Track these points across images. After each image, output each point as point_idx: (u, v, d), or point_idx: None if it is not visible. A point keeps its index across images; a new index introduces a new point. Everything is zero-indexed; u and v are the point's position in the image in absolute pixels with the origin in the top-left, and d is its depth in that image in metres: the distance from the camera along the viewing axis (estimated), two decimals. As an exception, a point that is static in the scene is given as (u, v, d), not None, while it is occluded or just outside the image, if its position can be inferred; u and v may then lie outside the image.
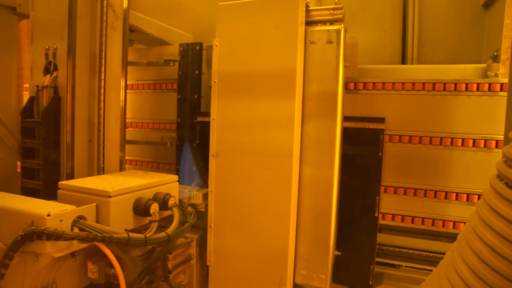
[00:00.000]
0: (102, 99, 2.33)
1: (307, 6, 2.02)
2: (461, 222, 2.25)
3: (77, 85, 2.29)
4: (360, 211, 2.25)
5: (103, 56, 2.33)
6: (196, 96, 2.68)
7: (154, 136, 3.02)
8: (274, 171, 2.03)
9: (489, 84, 2.15)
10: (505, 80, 2.11)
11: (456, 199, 2.25)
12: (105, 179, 2.04)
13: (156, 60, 2.83)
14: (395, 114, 2.34)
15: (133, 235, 1.66)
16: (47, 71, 2.39)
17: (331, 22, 2.02)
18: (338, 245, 2.09)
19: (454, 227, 2.26)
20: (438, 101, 2.26)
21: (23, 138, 2.36)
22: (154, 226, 1.81)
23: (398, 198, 2.36)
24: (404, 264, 2.43)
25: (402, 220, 2.36)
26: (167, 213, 2.00)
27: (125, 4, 2.33)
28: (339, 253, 2.10)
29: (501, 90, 2.13)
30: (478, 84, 2.17)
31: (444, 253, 2.33)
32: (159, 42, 2.94)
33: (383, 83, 2.35)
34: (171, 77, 2.93)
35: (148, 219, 1.90)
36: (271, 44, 2.02)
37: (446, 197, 2.26)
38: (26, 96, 2.73)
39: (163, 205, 1.95)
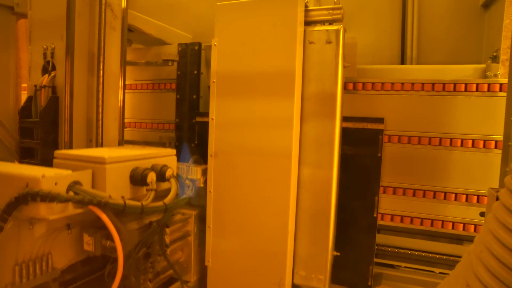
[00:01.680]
0: (100, 98, 2.33)
1: (306, 6, 2.01)
2: (460, 223, 2.24)
3: (75, 85, 2.28)
4: (359, 211, 2.25)
5: (102, 55, 2.33)
6: (194, 96, 2.67)
7: (153, 136, 3.02)
8: (273, 171, 2.02)
9: (489, 85, 2.15)
10: (505, 81, 2.10)
11: (455, 199, 2.24)
12: (102, 150, 2.04)
13: (155, 60, 2.82)
14: (394, 114, 2.33)
15: (130, 202, 1.63)
16: (45, 70, 2.38)
17: (330, 22, 2.01)
18: (337, 246, 2.09)
19: (453, 228, 2.26)
20: (437, 102, 2.25)
21: (21, 138, 2.35)
22: (151, 194, 1.79)
23: (397, 198, 2.36)
24: (403, 264, 2.43)
25: (401, 221, 2.35)
26: (165, 185, 1.96)
27: (123, 3, 2.33)
28: (338, 254, 2.10)
29: (501, 90, 2.13)
30: (477, 84, 2.17)
31: (443, 254, 2.34)
32: (157, 42, 2.94)
33: (382, 83, 2.34)
34: (169, 77, 2.92)
35: (145, 189, 1.87)
36: (270, 44, 2.01)
37: (445, 198, 2.26)
38: (24, 96, 2.72)
39: (161, 176, 1.91)
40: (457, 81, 2.21)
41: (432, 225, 2.30)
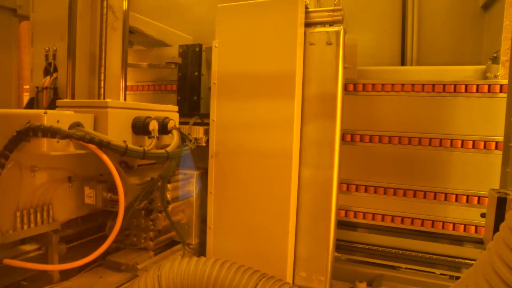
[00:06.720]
0: (101, 100, 2.33)
1: (306, 7, 2.02)
2: (461, 224, 2.24)
3: (77, 86, 2.29)
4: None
5: (103, 57, 2.33)
6: (195, 98, 2.68)
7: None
8: (273, 172, 2.03)
9: (489, 86, 2.15)
10: (505, 82, 2.11)
11: (456, 200, 2.24)
12: None
13: (156, 61, 2.83)
14: (395, 115, 2.33)
15: (131, 146, 1.61)
16: (47, 72, 2.39)
17: (331, 24, 2.02)
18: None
19: (453, 229, 2.26)
20: (438, 103, 2.25)
21: (22, 139, 2.35)
22: (153, 141, 1.77)
23: (397, 199, 2.35)
24: (403, 265, 2.42)
25: (402, 222, 2.35)
26: (167, 140, 1.94)
27: (125, 5, 2.34)
28: (339, 255, 2.10)
29: (501, 91, 2.13)
30: (477, 85, 2.17)
31: (443, 255, 2.33)
32: (158, 44, 2.95)
33: (383, 85, 2.35)
34: (170, 79, 2.93)
35: (147, 138, 1.87)
36: (271, 46, 2.02)
37: (445, 199, 2.26)
38: (26, 97, 2.73)
39: (163, 128, 1.89)
40: (457, 82, 2.21)
41: (432, 226, 2.29)
